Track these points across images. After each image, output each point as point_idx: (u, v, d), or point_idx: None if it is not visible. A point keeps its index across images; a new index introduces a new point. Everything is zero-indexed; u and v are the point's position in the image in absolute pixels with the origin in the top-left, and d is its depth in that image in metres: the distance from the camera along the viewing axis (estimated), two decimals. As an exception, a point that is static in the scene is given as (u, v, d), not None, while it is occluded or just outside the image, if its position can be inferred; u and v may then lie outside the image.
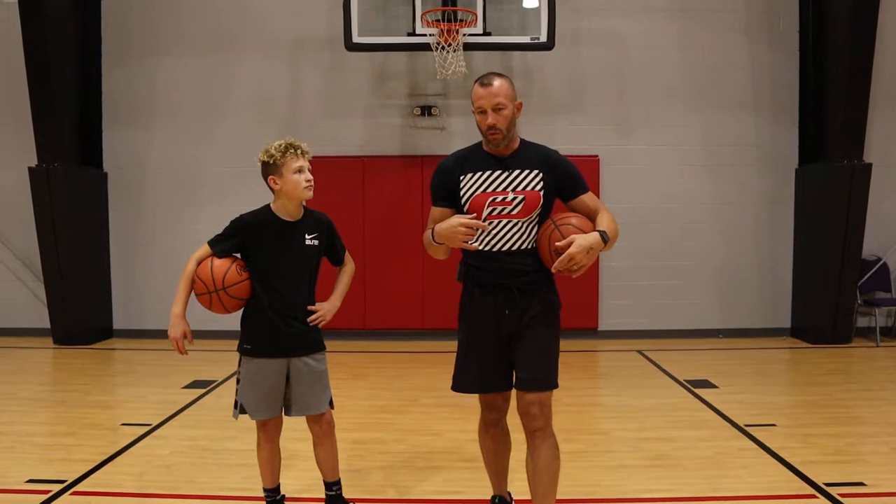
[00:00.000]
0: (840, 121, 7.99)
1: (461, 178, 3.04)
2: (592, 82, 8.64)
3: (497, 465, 3.35)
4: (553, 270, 2.90)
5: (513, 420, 3.17)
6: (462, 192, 3.03)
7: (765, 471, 4.16)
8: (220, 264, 3.18)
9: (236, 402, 3.33)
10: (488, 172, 3.01)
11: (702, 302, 8.75)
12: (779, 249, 8.72)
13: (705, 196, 8.69)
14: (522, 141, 3.11)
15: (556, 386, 3.09)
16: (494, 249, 3.00)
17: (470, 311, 3.12)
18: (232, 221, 3.27)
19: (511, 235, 2.99)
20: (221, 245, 3.23)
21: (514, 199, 2.97)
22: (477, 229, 2.92)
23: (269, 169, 3.22)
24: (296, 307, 3.25)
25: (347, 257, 3.52)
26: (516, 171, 3.00)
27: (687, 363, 7.28)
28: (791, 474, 4.07)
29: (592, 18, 8.58)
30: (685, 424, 5.12)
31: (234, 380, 6.69)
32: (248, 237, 3.22)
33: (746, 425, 5.02)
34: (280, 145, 3.20)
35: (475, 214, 2.96)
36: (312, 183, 3.23)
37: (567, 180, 3.05)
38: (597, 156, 8.55)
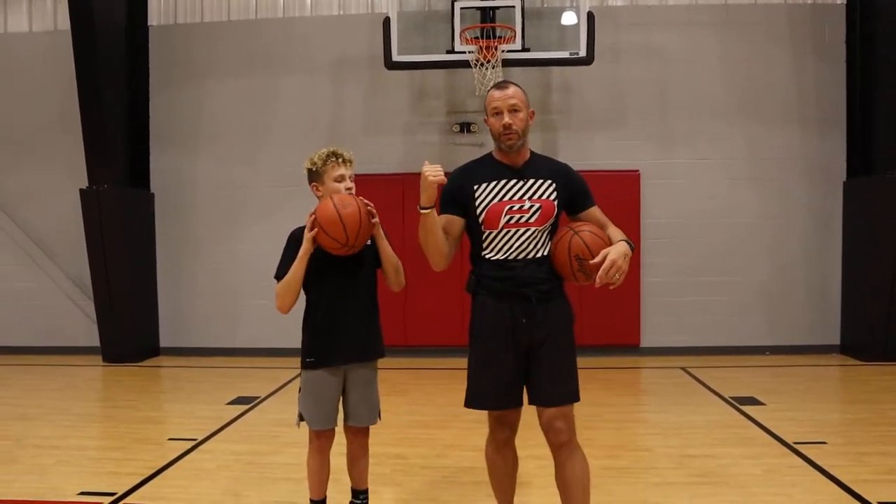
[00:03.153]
0: (890, 132, 7.81)
1: (475, 187, 3.04)
2: (633, 97, 8.60)
3: (508, 484, 3.29)
4: (597, 283, 2.86)
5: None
6: (477, 202, 3.02)
7: (816, 489, 4.05)
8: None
9: (299, 412, 3.37)
10: (504, 181, 3.03)
11: (747, 318, 8.58)
12: (827, 264, 8.53)
13: (750, 210, 8.55)
14: (532, 152, 3.14)
15: (578, 398, 3.02)
16: (511, 258, 3.00)
17: (484, 323, 3.07)
18: (288, 238, 3.30)
19: (527, 244, 2.99)
20: (288, 265, 3.25)
21: (531, 207, 2.99)
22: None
23: (312, 176, 3.31)
24: (357, 309, 3.29)
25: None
26: (531, 181, 3.03)
27: (732, 380, 7.13)
28: (843, 493, 3.96)
29: (633, 33, 8.55)
30: (731, 442, 5.02)
31: (278, 395, 6.83)
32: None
33: (795, 443, 4.90)
34: (322, 153, 3.29)
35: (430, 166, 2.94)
36: (353, 192, 3.27)
37: (578, 192, 3.10)
38: (637, 170, 8.49)
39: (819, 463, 4.46)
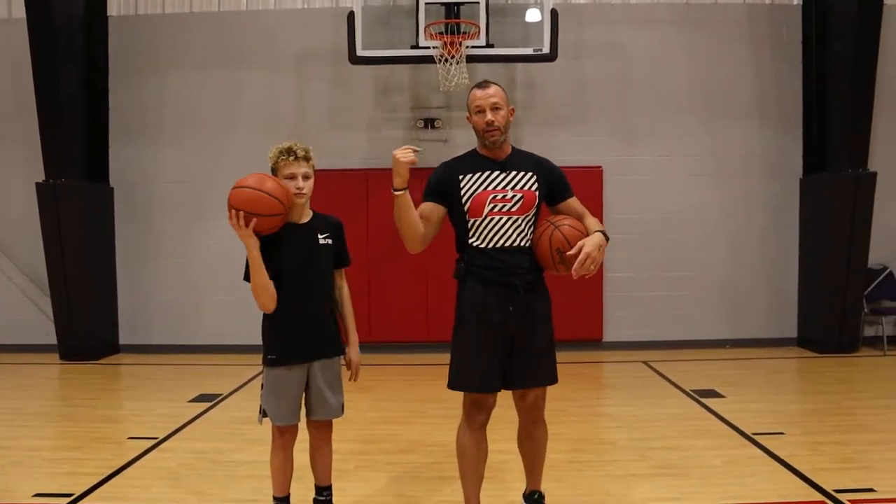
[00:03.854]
0: (844, 130, 8.00)
1: (461, 178, 3.23)
2: (596, 93, 8.67)
3: (476, 472, 3.34)
4: (574, 275, 3.08)
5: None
6: (463, 192, 3.21)
7: (774, 478, 4.14)
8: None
9: (261, 408, 3.33)
10: (487, 173, 3.23)
11: (708, 312, 8.72)
12: (785, 259, 8.71)
13: (711, 206, 8.69)
14: (513, 147, 3.34)
15: (557, 380, 3.32)
16: (497, 246, 3.18)
17: (472, 309, 3.21)
18: None
19: (511, 232, 3.18)
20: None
21: (514, 196, 3.19)
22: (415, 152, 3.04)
23: (272, 171, 3.26)
24: (318, 307, 3.27)
25: (344, 280, 3.47)
26: (513, 173, 3.24)
27: (693, 373, 7.25)
28: (800, 481, 4.05)
29: (596, 30, 8.62)
30: (692, 434, 5.10)
31: (240, 393, 6.76)
32: (266, 244, 3.16)
33: (754, 434, 5.00)
34: (278, 148, 3.23)
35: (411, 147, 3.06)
36: (303, 192, 3.20)
37: (557, 184, 3.34)
38: (600, 166, 8.56)
39: (777, 453, 4.56)
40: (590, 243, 3.08)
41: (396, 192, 3.07)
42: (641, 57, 8.66)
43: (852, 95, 7.88)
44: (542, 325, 3.25)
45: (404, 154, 3.01)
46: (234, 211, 3.05)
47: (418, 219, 3.17)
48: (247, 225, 3.05)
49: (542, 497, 3.54)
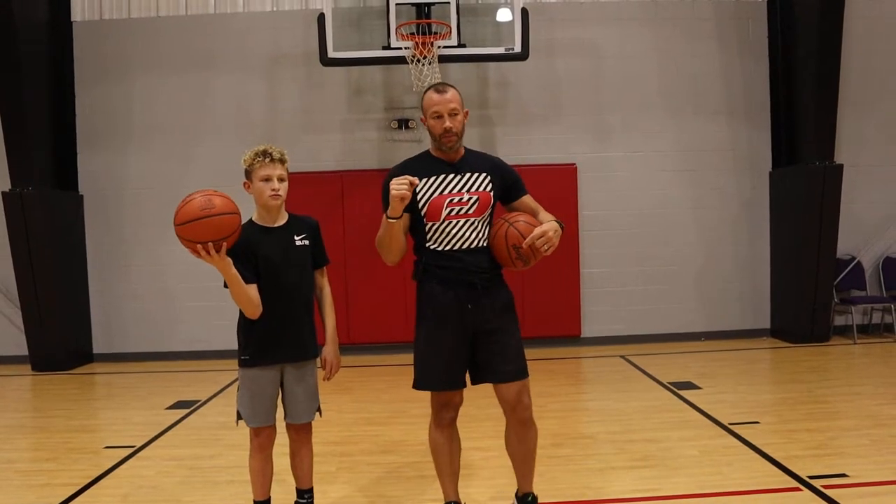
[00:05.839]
0: (811, 124, 8.14)
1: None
2: (568, 91, 8.73)
3: (452, 467, 3.38)
4: (525, 245, 3.05)
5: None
6: (419, 196, 3.17)
7: (750, 466, 4.20)
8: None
9: (238, 411, 3.31)
10: (442, 176, 3.21)
11: (683, 306, 8.82)
12: (757, 251, 8.84)
13: (683, 201, 8.79)
14: (467, 148, 3.34)
15: (528, 375, 3.26)
16: (455, 248, 3.18)
17: (431, 309, 3.23)
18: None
19: (468, 234, 3.18)
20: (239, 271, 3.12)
21: (470, 199, 3.19)
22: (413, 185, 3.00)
23: (246, 174, 3.25)
24: (295, 309, 3.25)
25: (325, 279, 3.47)
26: (467, 175, 3.24)
27: (670, 366, 7.33)
28: (775, 469, 4.12)
29: (566, 28, 8.68)
30: (670, 425, 5.16)
31: (219, 398, 6.71)
32: (244, 251, 3.15)
33: (730, 424, 5.07)
34: (253, 151, 3.22)
35: (408, 178, 3.00)
36: (278, 193, 3.19)
37: (511, 182, 3.34)
38: (574, 164, 8.62)
39: (753, 442, 4.63)
40: (545, 226, 3.06)
41: (390, 220, 3.05)
42: (612, 55, 8.73)
43: (818, 90, 8.03)
44: (503, 320, 3.23)
45: (397, 188, 2.96)
46: (199, 245, 2.95)
47: (404, 239, 3.16)
48: (218, 251, 2.97)
49: (535, 499, 3.47)
